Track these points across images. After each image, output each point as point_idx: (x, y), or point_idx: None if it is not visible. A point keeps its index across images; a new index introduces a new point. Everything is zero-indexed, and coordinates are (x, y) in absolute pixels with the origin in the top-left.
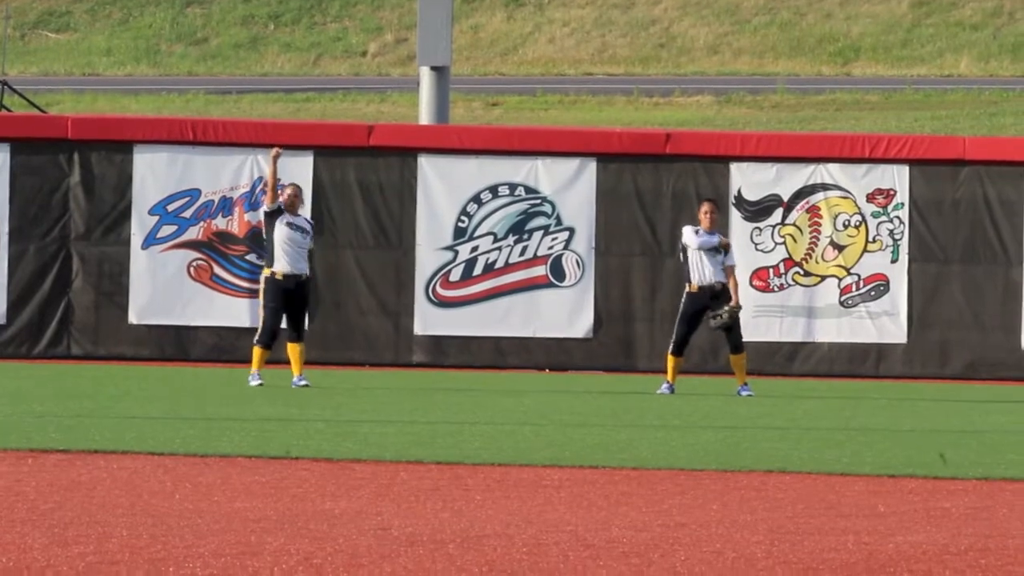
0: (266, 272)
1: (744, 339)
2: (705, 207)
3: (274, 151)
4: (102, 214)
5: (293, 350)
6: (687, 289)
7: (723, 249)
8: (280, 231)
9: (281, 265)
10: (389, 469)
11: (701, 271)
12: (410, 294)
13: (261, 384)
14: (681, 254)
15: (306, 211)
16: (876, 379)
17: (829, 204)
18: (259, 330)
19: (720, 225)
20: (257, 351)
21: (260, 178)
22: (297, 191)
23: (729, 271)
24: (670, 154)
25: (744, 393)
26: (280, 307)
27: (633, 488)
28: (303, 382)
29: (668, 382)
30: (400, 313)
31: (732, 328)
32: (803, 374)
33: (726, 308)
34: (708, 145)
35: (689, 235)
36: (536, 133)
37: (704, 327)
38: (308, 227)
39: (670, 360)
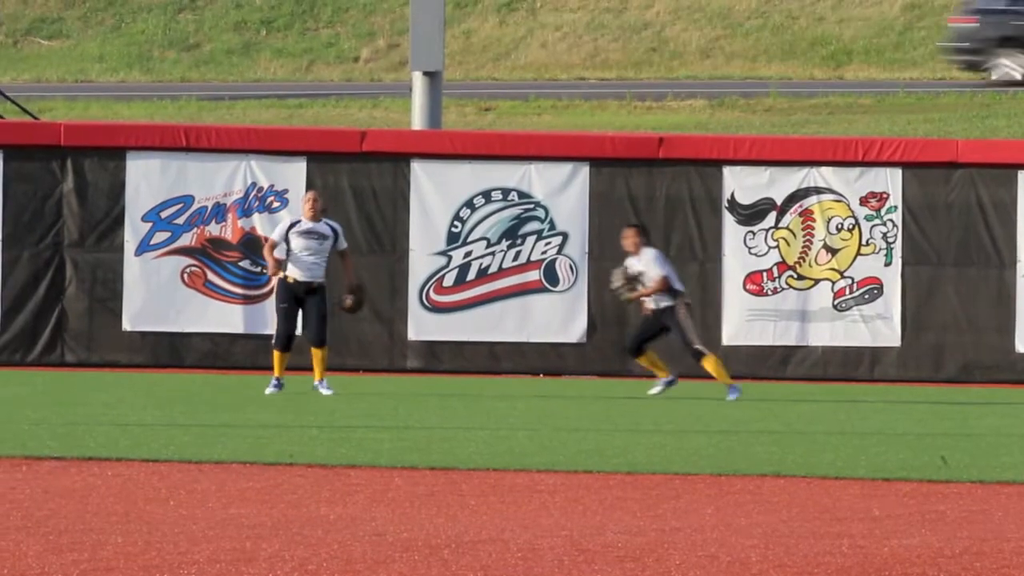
0: (281, 275)
1: (738, 343)
2: (628, 232)
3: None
4: (95, 221)
5: (314, 355)
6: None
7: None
8: (296, 242)
9: (293, 271)
10: (384, 475)
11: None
12: (404, 299)
13: (277, 390)
14: (640, 285)
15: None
16: (870, 383)
17: (822, 207)
18: (274, 333)
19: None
20: (274, 355)
21: (253, 184)
22: (314, 197)
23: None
24: (663, 158)
25: (731, 396)
26: (290, 308)
27: (628, 492)
28: (323, 389)
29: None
30: (394, 319)
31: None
32: (797, 378)
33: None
34: (701, 149)
35: (633, 267)
36: (529, 138)
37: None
38: (327, 231)
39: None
